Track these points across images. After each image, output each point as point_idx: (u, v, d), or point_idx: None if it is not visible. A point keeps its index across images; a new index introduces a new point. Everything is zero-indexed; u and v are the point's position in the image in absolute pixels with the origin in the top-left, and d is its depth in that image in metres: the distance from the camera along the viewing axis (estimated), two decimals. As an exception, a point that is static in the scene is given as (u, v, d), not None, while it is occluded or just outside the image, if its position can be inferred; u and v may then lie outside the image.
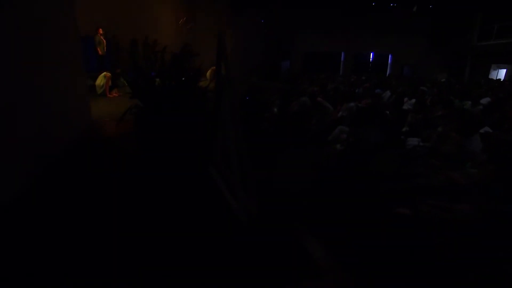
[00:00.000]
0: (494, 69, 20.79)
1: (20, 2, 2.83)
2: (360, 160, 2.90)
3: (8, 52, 2.62)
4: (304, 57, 24.28)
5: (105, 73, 6.86)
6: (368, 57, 25.07)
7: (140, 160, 3.66)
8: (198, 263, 2.08)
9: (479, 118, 4.50)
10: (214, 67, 10.73)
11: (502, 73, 20.32)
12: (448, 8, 20.10)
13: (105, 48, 9.24)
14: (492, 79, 18.34)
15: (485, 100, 7.36)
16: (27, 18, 2.92)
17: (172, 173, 3.27)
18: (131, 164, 3.68)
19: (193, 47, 16.71)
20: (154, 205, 2.83)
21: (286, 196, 2.75)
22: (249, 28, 18.41)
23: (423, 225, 2.01)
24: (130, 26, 12.34)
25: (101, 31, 9.14)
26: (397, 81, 12.36)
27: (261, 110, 5.08)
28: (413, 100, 6.63)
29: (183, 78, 3.47)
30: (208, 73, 12.18)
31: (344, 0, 20.77)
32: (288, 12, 21.47)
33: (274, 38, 23.21)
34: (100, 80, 6.87)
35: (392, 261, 1.87)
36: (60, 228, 2.45)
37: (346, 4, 21.08)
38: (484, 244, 1.73)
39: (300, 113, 5.66)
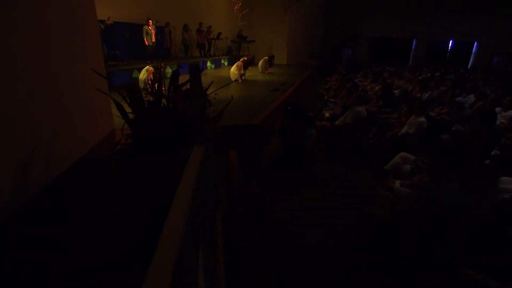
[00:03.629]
0: None
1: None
2: (427, 230, 2.04)
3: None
4: (370, 43, 21.94)
5: (147, 67, 6.66)
6: (446, 45, 21.59)
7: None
8: None
9: None
10: (267, 57, 9.96)
11: None
12: None
13: (153, 38, 9.16)
14: None
15: None
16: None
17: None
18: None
19: (249, 33, 16.17)
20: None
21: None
22: (309, 12, 17.03)
23: None
24: (184, 12, 12.19)
25: (151, 22, 9.04)
26: (484, 78, 10.15)
27: (305, 121, 4.30)
28: (510, 113, 5.13)
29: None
30: (260, 64, 11.51)
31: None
32: (354, -6, 19.42)
33: (337, 22, 21.37)
34: (143, 74, 6.71)
35: None
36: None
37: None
38: None
39: (354, 126, 4.73)
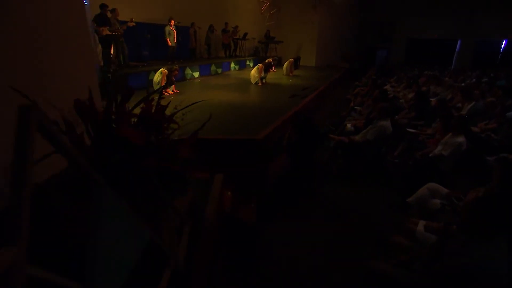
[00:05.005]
0: None
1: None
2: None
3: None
4: (408, 45, 20.40)
5: (162, 69, 6.48)
6: (497, 46, 19.38)
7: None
8: None
9: None
10: (292, 59, 9.45)
11: None
12: None
13: (175, 39, 9.00)
14: None
15: None
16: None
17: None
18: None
19: (277, 34, 15.67)
20: None
21: None
22: (340, 10, 16.12)
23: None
24: (210, 13, 11.99)
25: (173, 22, 8.88)
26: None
27: (313, 136, 3.73)
28: None
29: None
30: (284, 66, 11.00)
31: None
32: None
33: (372, 22, 20.12)
34: (157, 76, 6.53)
35: None
36: None
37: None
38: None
39: (375, 144, 4.09)
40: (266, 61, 12.15)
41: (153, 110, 1.80)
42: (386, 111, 4.12)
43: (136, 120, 1.74)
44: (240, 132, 3.92)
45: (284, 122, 3.98)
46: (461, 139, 3.64)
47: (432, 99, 7.96)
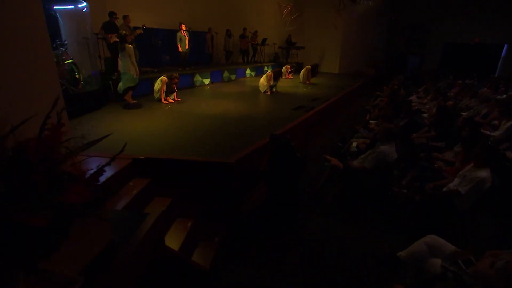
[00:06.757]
0: None
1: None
2: None
3: None
4: (444, 50, 18.78)
5: (162, 76, 6.24)
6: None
7: None
8: None
9: None
10: (309, 66, 8.85)
11: None
12: None
13: (187, 45, 8.81)
14: None
15: None
16: None
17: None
18: None
19: (299, 39, 15.08)
20: None
21: None
22: (366, 14, 15.15)
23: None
24: (228, 17, 11.75)
25: (184, 27, 8.72)
26: None
27: (291, 162, 3.18)
28: None
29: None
30: (301, 73, 10.44)
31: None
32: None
33: (403, 25, 18.74)
34: (157, 84, 6.32)
35: None
36: None
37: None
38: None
39: (374, 172, 3.46)
40: (289, 66, 11.78)
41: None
42: (390, 134, 3.47)
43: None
44: (219, 151, 3.49)
45: (266, 144, 3.49)
46: (484, 173, 2.92)
47: (464, 113, 6.99)
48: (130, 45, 6.16)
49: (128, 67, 5.84)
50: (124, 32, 6.34)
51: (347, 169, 3.52)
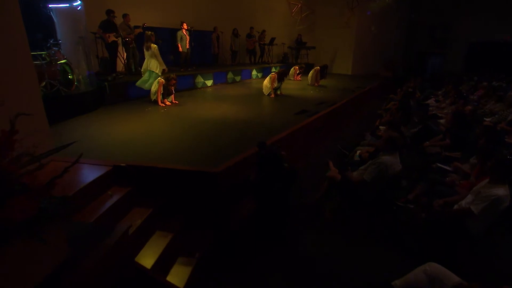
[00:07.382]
0: None
1: None
2: None
3: None
4: (469, 50, 17.46)
5: (159, 78, 5.97)
6: None
7: None
8: None
9: None
10: (318, 68, 8.34)
11: None
12: None
13: (187, 44, 8.52)
14: None
15: None
16: None
17: None
18: None
19: (309, 39, 14.53)
20: None
21: None
22: (382, 11, 14.33)
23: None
24: (235, 16, 11.42)
25: (185, 26, 8.43)
26: None
27: (278, 172, 2.79)
28: None
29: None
30: (309, 75, 9.94)
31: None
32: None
33: (422, 24, 17.69)
34: (154, 86, 6.04)
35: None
36: None
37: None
38: None
39: (375, 185, 2.97)
40: (297, 67, 11.26)
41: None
42: (392, 144, 2.97)
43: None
44: (210, 159, 3.13)
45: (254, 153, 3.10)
46: (501, 191, 2.41)
47: (486, 119, 6.28)
48: (155, 45, 6.04)
49: (156, 66, 6.02)
50: (150, 32, 6.22)
51: (345, 181, 3.06)
